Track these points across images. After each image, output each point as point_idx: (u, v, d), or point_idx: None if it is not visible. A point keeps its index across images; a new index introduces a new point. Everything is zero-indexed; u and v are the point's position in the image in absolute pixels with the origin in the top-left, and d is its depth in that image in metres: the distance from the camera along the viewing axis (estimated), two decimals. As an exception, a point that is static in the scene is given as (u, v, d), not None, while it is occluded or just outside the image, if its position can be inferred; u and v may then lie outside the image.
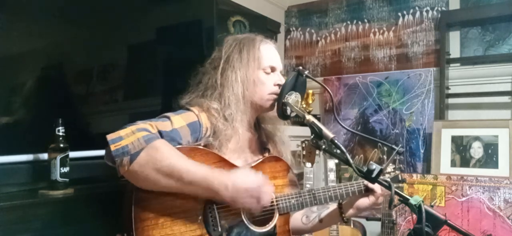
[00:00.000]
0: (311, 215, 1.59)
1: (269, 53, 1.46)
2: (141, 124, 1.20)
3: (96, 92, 1.74)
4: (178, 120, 1.28)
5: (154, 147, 1.16)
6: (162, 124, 1.25)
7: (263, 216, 1.37)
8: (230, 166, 1.34)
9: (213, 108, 1.35)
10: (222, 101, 1.37)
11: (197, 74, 1.48)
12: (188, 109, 1.35)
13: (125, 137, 1.15)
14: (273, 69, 1.45)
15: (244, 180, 1.23)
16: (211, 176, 1.20)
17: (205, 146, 1.33)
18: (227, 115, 1.35)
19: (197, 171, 1.19)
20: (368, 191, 1.50)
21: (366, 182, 1.48)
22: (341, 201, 1.54)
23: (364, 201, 1.50)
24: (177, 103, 1.43)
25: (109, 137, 1.16)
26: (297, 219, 1.59)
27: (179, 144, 1.26)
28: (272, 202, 1.39)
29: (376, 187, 1.48)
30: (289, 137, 1.59)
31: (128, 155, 1.14)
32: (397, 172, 1.62)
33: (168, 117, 1.28)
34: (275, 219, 1.39)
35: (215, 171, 1.22)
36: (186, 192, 1.21)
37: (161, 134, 1.22)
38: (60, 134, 1.41)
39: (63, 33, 1.60)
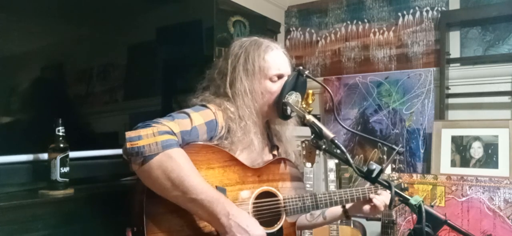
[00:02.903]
0: (315, 213, 1.63)
1: (275, 60, 1.42)
2: (165, 125, 1.19)
3: (96, 92, 1.74)
4: (197, 118, 1.28)
5: (169, 155, 1.15)
6: (183, 122, 1.24)
7: (271, 217, 1.38)
8: (241, 165, 1.35)
9: (229, 109, 1.35)
10: (236, 113, 1.36)
11: (203, 78, 1.48)
12: (204, 106, 1.34)
13: (144, 137, 1.14)
14: (280, 77, 1.42)
15: (248, 223, 1.22)
16: (216, 201, 1.19)
17: (217, 145, 1.33)
18: (242, 126, 1.35)
19: (204, 191, 1.18)
20: (371, 200, 1.57)
21: (371, 196, 1.55)
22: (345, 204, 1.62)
23: (366, 207, 1.58)
24: (183, 98, 1.42)
25: (128, 134, 1.15)
26: (301, 216, 1.61)
27: (195, 142, 1.27)
28: (280, 203, 1.40)
29: (379, 202, 1.55)
30: (293, 137, 1.60)
31: (142, 156, 1.14)
32: (400, 180, 1.65)
33: (188, 114, 1.27)
34: (282, 220, 1.40)
35: (221, 198, 1.21)
36: (187, 209, 1.20)
37: (182, 135, 1.22)
38: (60, 134, 1.41)
39: (63, 33, 1.60)
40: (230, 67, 1.41)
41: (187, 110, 1.30)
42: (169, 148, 1.16)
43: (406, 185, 1.66)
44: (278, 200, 1.41)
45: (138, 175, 1.20)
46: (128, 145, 1.14)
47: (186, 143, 1.24)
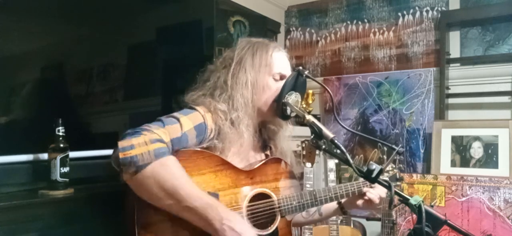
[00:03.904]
0: (311, 210, 1.62)
1: (280, 60, 1.45)
2: (156, 133, 1.18)
3: (96, 92, 1.74)
4: (186, 123, 1.27)
5: (162, 163, 1.15)
6: (173, 128, 1.23)
7: (266, 219, 1.37)
8: (233, 169, 1.34)
9: (220, 109, 1.34)
10: (230, 103, 1.36)
11: (205, 71, 1.47)
12: (193, 109, 1.33)
13: (137, 146, 1.13)
14: (282, 77, 1.44)
15: (241, 227, 1.22)
16: (210, 208, 1.18)
17: (207, 148, 1.32)
18: (234, 118, 1.34)
19: (197, 198, 1.18)
20: (366, 194, 1.55)
21: (365, 189, 1.54)
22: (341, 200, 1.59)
23: (361, 201, 1.57)
24: (182, 98, 1.41)
25: (121, 144, 1.14)
26: (298, 214, 1.61)
27: (185, 147, 1.26)
28: (275, 203, 1.40)
29: (374, 195, 1.54)
30: (289, 137, 1.60)
31: (135, 166, 1.13)
32: (395, 170, 1.64)
33: (178, 119, 1.26)
34: (277, 222, 1.39)
35: (215, 203, 1.21)
36: (181, 216, 1.20)
37: (172, 143, 1.21)
38: (60, 134, 1.41)
39: (63, 33, 1.60)
40: (236, 58, 1.42)
41: (176, 114, 1.29)
42: (161, 156, 1.15)
43: (400, 176, 1.66)
44: (272, 201, 1.40)
45: (129, 185, 1.18)
46: (121, 155, 1.12)
47: (176, 150, 1.23)
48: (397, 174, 1.65)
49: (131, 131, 1.17)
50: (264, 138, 1.55)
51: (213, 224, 1.18)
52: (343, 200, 1.61)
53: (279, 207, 1.40)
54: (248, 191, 1.37)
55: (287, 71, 1.46)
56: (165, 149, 1.17)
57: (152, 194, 1.16)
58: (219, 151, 1.33)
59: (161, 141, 1.17)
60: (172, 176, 1.16)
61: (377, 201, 1.54)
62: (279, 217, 1.40)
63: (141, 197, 1.18)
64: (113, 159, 1.17)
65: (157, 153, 1.15)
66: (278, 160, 1.49)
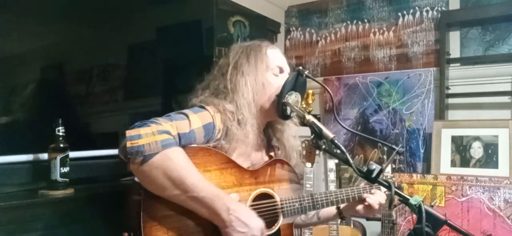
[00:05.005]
0: (310, 213, 1.62)
1: (276, 55, 1.46)
2: (163, 125, 1.19)
3: (96, 92, 1.74)
4: (195, 121, 1.27)
5: (169, 154, 1.16)
6: (181, 124, 1.24)
7: (268, 219, 1.38)
8: (238, 167, 1.35)
9: (229, 110, 1.34)
10: (234, 104, 1.36)
11: (202, 80, 1.47)
12: (203, 108, 1.34)
13: (144, 136, 1.14)
14: (281, 70, 1.44)
15: (248, 217, 1.23)
16: (216, 198, 1.19)
17: (213, 147, 1.33)
18: (240, 118, 1.35)
19: (204, 188, 1.19)
20: (365, 200, 1.57)
21: (365, 195, 1.55)
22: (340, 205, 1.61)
23: (360, 207, 1.58)
24: (183, 99, 1.41)
25: (128, 133, 1.15)
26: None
27: (192, 144, 1.27)
28: (277, 204, 1.40)
29: (373, 200, 1.55)
30: (295, 137, 1.60)
31: (142, 155, 1.14)
32: (393, 179, 1.65)
33: (187, 116, 1.27)
34: (280, 222, 1.40)
35: (221, 194, 1.22)
36: (187, 207, 1.21)
37: (179, 137, 1.22)
38: (60, 134, 1.42)
39: (63, 33, 1.60)
40: (231, 62, 1.42)
41: (185, 111, 1.30)
42: (168, 147, 1.16)
43: (398, 184, 1.67)
44: (275, 201, 1.41)
45: (136, 175, 1.19)
46: (128, 144, 1.13)
47: (183, 145, 1.23)
48: (395, 183, 1.66)
49: (140, 123, 1.18)
50: (269, 139, 1.55)
51: (220, 214, 1.19)
52: (342, 206, 1.62)
53: (281, 208, 1.41)
54: (251, 191, 1.37)
55: (285, 65, 1.47)
56: (172, 140, 1.18)
57: (158, 184, 1.16)
58: (224, 152, 1.34)
59: (168, 133, 1.18)
60: (179, 166, 1.17)
61: (376, 207, 1.55)
62: (281, 218, 1.40)
63: (147, 188, 1.19)
64: (120, 149, 1.18)
65: (164, 143, 1.15)
66: (281, 162, 1.49)
